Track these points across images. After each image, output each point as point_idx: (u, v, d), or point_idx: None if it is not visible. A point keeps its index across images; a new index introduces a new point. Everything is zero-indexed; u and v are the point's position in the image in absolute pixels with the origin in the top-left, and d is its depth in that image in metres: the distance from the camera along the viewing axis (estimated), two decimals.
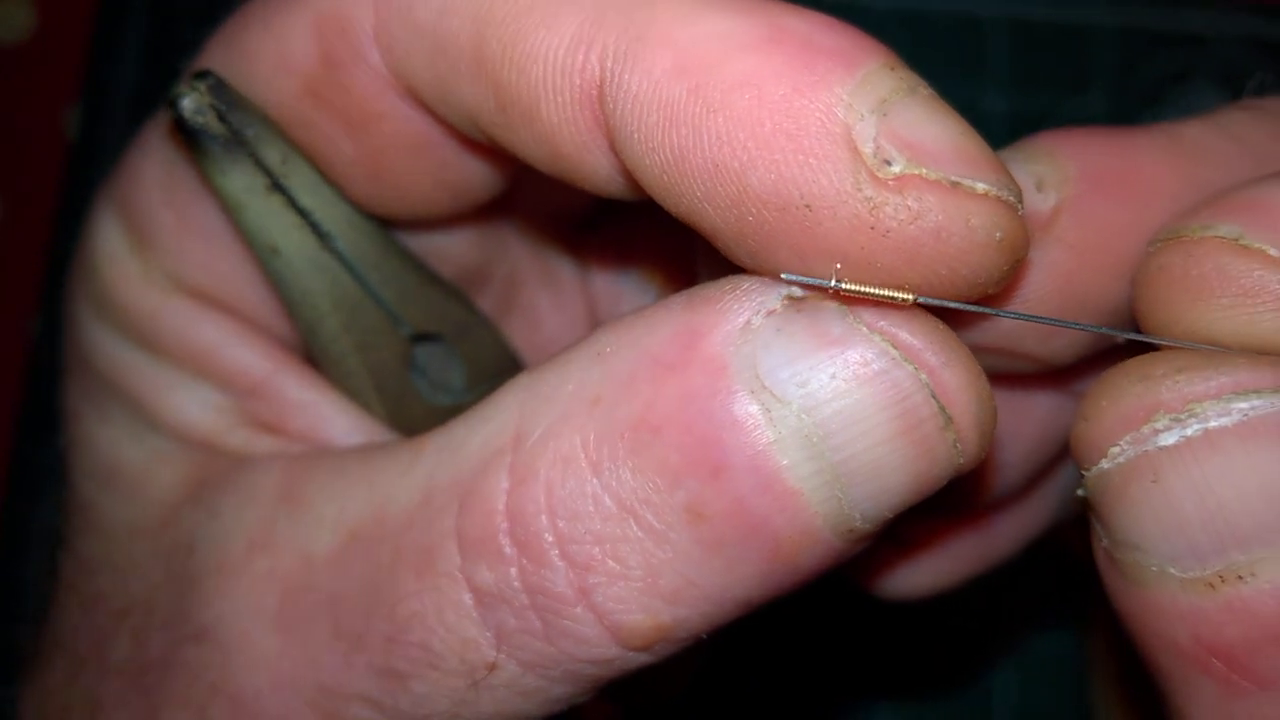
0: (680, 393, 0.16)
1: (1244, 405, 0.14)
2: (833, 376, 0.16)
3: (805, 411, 0.16)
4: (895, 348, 0.16)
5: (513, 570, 0.16)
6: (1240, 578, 0.14)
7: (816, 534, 0.16)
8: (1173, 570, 0.15)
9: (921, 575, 0.24)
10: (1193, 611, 0.15)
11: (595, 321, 0.27)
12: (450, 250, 0.24)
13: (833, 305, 0.17)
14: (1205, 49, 0.44)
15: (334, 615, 0.18)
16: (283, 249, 0.19)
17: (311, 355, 0.21)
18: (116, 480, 0.23)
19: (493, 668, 0.16)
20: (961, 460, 0.16)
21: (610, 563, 0.16)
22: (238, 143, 0.18)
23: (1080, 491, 0.16)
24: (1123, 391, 0.15)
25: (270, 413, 0.22)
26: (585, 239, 0.28)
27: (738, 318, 0.16)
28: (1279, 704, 0.14)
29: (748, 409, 0.16)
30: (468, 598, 0.16)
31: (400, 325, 0.21)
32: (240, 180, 0.18)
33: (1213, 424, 0.14)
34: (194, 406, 0.22)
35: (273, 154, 0.18)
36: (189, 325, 0.22)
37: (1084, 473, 0.16)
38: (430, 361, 0.22)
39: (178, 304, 0.22)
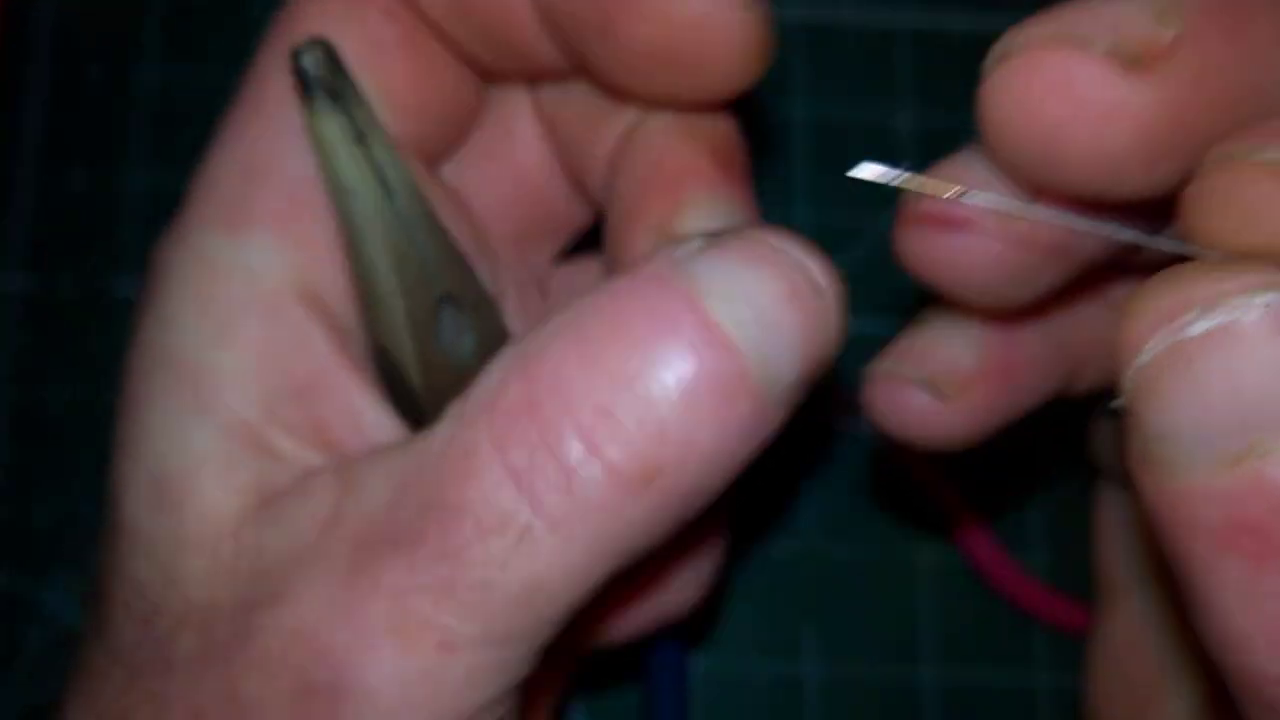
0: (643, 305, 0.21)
1: (1267, 299, 0.16)
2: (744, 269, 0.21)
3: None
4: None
5: (537, 449, 0.20)
6: (1263, 455, 0.16)
7: (749, 379, 0.20)
8: (1201, 455, 0.16)
9: (958, 425, 0.27)
10: (1221, 491, 0.16)
11: None
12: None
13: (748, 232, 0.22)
14: None
15: (395, 541, 0.21)
16: (357, 192, 0.23)
17: (360, 294, 0.25)
18: (166, 497, 0.24)
19: (527, 529, 0.20)
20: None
21: (610, 425, 0.20)
22: (337, 98, 0.23)
23: (1116, 403, 0.18)
24: (1160, 292, 0.17)
25: (318, 411, 0.24)
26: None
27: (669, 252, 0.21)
28: None
29: (691, 299, 0.20)
30: (505, 478, 0.20)
31: (434, 282, 0.25)
32: (334, 129, 0.23)
33: (1238, 315, 0.16)
34: (246, 397, 0.24)
35: (361, 115, 0.23)
36: (260, 316, 0.24)
37: (1123, 377, 0.17)
38: (447, 324, 0.26)
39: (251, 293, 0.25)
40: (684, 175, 0.26)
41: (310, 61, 0.22)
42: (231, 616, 0.22)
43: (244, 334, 0.24)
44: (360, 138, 0.23)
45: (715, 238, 0.21)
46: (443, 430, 0.21)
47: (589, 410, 0.20)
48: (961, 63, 0.45)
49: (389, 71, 0.27)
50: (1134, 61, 0.18)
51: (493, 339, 0.27)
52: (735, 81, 0.25)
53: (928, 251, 0.23)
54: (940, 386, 0.26)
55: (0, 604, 0.41)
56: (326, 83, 0.23)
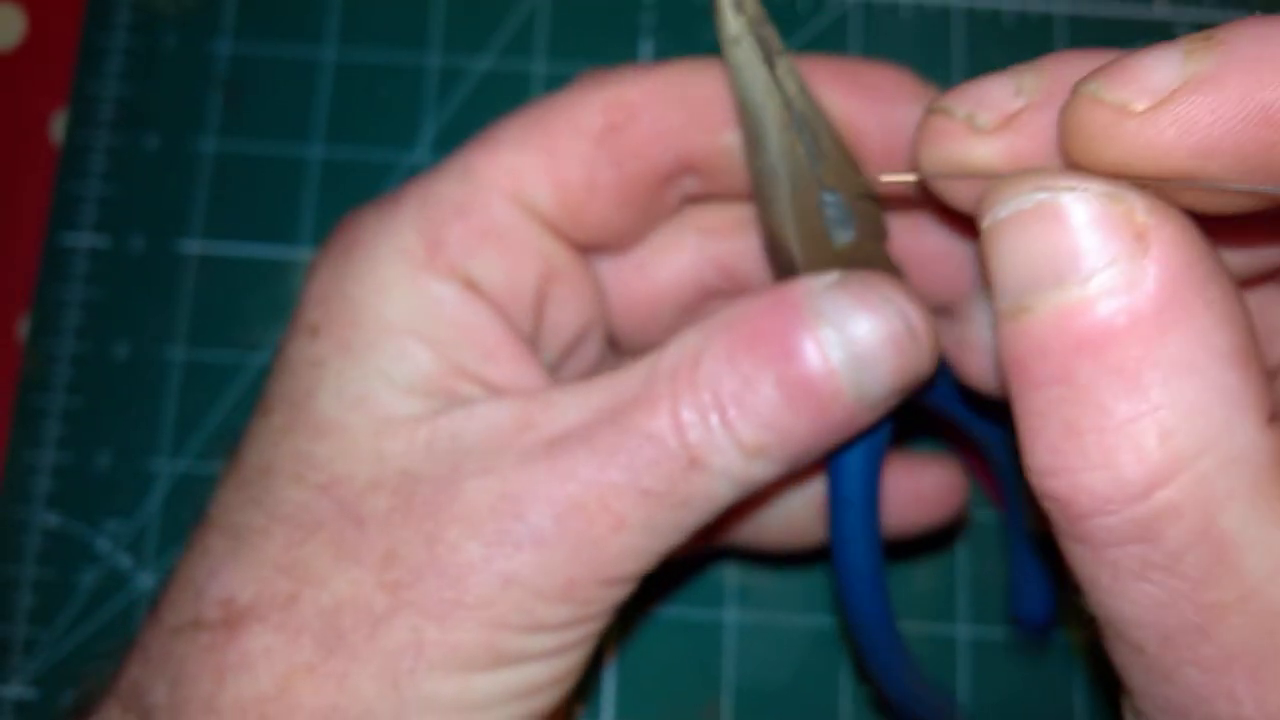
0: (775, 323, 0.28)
1: (1039, 196, 0.21)
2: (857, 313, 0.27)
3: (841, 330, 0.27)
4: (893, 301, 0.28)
5: (695, 411, 0.27)
6: (1029, 311, 0.21)
7: (843, 395, 0.27)
8: (1003, 308, 0.21)
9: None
10: (1009, 336, 0.21)
11: None
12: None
13: (869, 278, 0.28)
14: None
15: (591, 447, 0.27)
16: (765, 105, 0.28)
17: (756, 190, 0.30)
18: (369, 399, 0.28)
19: (687, 464, 0.27)
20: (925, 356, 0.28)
21: (741, 407, 0.27)
22: (752, 27, 0.28)
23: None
24: (992, 187, 0.22)
25: (487, 374, 0.29)
26: None
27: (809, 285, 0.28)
28: (1059, 395, 0.21)
29: (810, 327, 0.27)
30: (676, 426, 0.27)
31: (820, 180, 0.30)
32: (747, 52, 0.28)
33: (1016, 206, 0.21)
34: (432, 364, 0.29)
35: (772, 43, 0.28)
36: (455, 301, 0.29)
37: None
38: (831, 213, 0.30)
39: (451, 285, 0.29)
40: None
41: (738, 17, 0.28)
42: (434, 482, 0.27)
43: (435, 311, 0.29)
44: (769, 59, 0.28)
45: (844, 277, 0.28)
46: (639, 374, 0.28)
47: (728, 394, 0.27)
48: (1013, 44, 0.47)
49: (575, 201, 0.31)
50: (982, 124, 0.24)
51: (870, 229, 0.30)
52: None
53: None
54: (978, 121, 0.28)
55: (55, 545, 0.43)
56: (744, 12, 0.28)
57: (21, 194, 0.47)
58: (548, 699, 0.28)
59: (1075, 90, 0.21)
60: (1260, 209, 0.21)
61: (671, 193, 0.33)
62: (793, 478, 0.31)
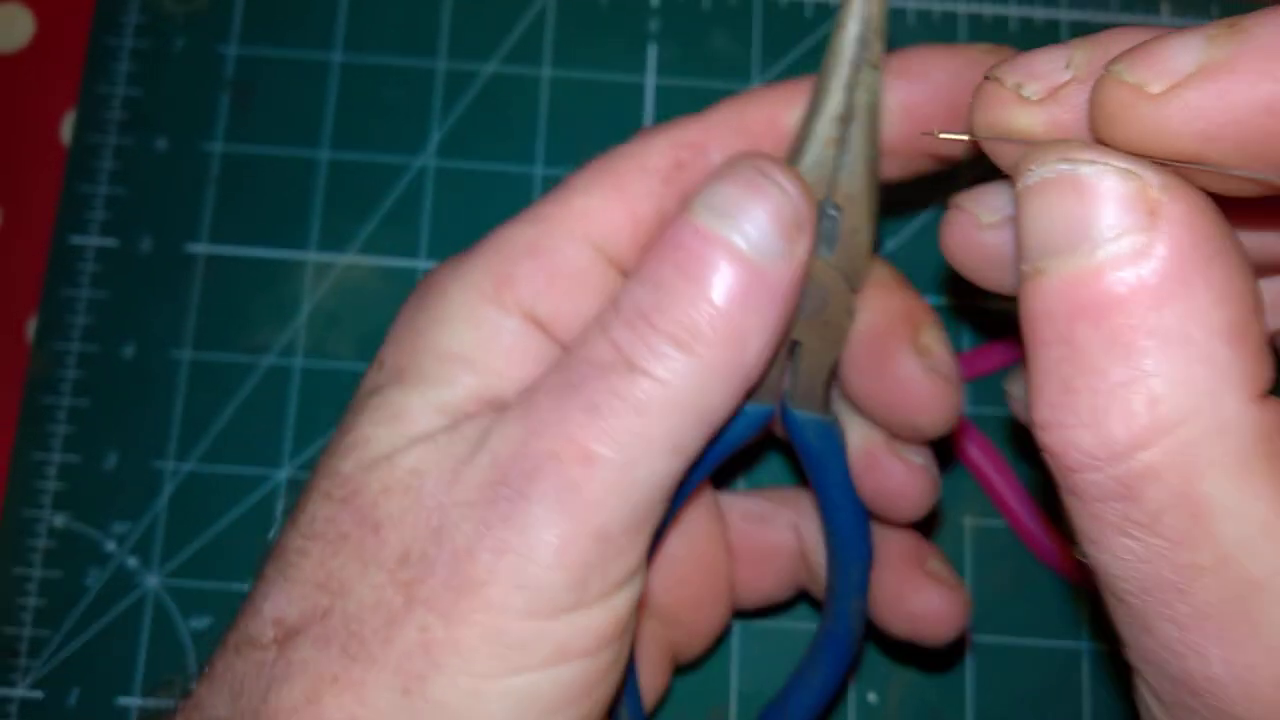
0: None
1: (1061, 166, 0.22)
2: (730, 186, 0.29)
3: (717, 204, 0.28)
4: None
5: (625, 329, 0.27)
6: (1043, 273, 0.22)
7: (734, 249, 0.28)
8: (1023, 270, 0.23)
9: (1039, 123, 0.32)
10: (1027, 295, 0.22)
11: None
12: None
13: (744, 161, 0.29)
14: None
15: (547, 392, 0.28)
16: (830, 88, 0.30)
17: (787, 148, 0.32)
18: (402, 416, 0.29)
19: (628, 370, 0.27)
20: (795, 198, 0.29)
21: (659, 309, 0.28)
22: (864, 26, 0.30)
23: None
24: (1026, 155, 0.23)
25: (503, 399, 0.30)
26: None
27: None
28: (1060, 355, 0.22)
29: (693, 217, 0.28)
30: (609, 347, 0.28)
31: (834, 183, 0.31)
32: (846, 43, 0.30)
33: (1039, 175, 0.22)
34: (473, 389, 0.29)
35: (872, 51, 0.30)
36: (514, 333, 0.30)
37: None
38: (823, 222, 0.31)
39: (513, 318, 0.30)
40: (916, 312, 0.33)
41: (855, 30, 0.29)
42: (438, 475, 0.28)
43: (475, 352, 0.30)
44: (859, 61, 0.30)
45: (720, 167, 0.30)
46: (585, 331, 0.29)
47: (648, 304, 0.28)
48: (1018, 49, 0.47)
49: (647, 237, 0.32)
50: (1028, 94, 0.25)
51: (849, 256, 0.31)
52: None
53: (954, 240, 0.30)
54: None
55: (62, 545, 0.43)
56: (874, 12, 0.29)
57: (30, 195, 0.47)
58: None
59: (1105, 69, 0.22)
60: (1265, 195, 0.22)
61: None
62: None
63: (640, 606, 0.29)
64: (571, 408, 0.27)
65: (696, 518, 0.38)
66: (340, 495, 0.29)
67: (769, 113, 0.32)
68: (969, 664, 0.43)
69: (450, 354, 0.30)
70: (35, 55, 0.49)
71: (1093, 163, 0.22)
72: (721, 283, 0.27)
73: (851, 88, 0.30)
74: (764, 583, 0.39)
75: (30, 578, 0.43)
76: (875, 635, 0.38)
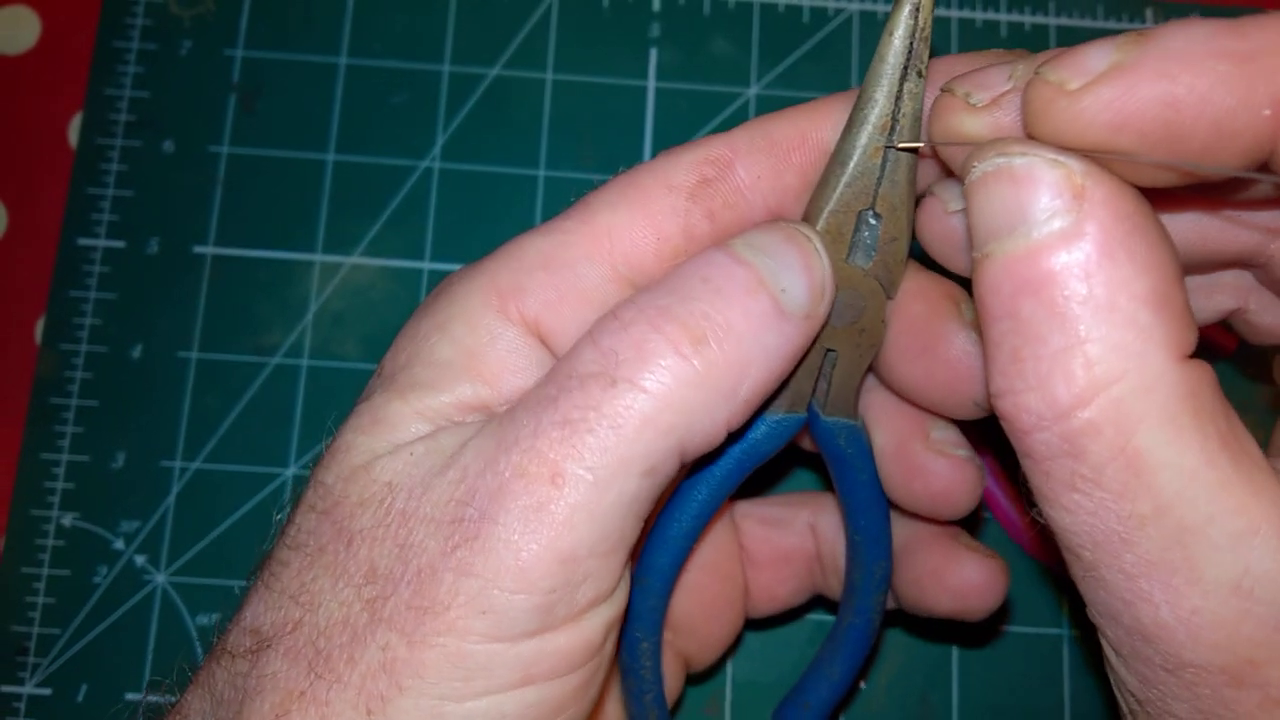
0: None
1: (999, 160, 0.25)
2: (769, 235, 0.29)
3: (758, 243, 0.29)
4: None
5: (617, 334, 0.27)
6: (989, 255, 0.24)
7: (764, 283, 0.28)
8: (973, 259, 0.25)
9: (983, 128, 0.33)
10: (978, 278, 0.25)
11: None
12: None
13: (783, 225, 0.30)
14: None
15: (525, 404, 0.27)
16: (875, 96, 0.30)
17: (829, 158, 0.32)
18: (383, 423, 0.29)
19: (611, 381, 0.27)
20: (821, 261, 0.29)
21: (668, 313, 0.27)
22: (912, 35, 0.30)
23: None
24: (974, 153, 0.25)
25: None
26: None
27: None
28: (1008, 328, 0.24)
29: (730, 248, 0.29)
30: (598, 354, 0.27)
31: (865, 206, 0.31)
32: (894, 50, 0.30)
33: (981, 168, 0.25)
34: (459, 395, 0.29)
35: (918, 58, 0.30)
36: (511, 341, 0.29)
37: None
38: (861, 236, 0.31)
39: (512, 328, 0.29)
40: (952, 291, 0.34)
41: (902, 37, 0.30)
42: (409, 489, 0.27)
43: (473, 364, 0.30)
44: (905, 67, 0.30)
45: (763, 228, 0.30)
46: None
47: (655, 308, 0.27)
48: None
49: (672, 252, 0.32)
50: (975, 102, 0.27)
51: (887, 264, 0.32)
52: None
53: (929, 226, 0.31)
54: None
55: (70, 544, 0.44)
56: (922, 20, 0.30)
57: (38, 197, 0.47)
58: None
59: (1034, 71, 0.25)
60: (1179, 184, 0.25)
61: None
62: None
63: (612, 627, 0.28)
64: (546, 422, 0.26)
65: (710, 528, 0.38)
66: (322, 508, 0.28)
67: (798, 129, 0.32)
68: (955, 651, 0.44)
69: (442, 359, 0.29)
70: (41, 58, 0.49)
71: (1024, 155, 0.24)
72: (745, 302, 0.27)
73: (896, 96, 0.30)
74: (781, 588, 0.40)
75: (39, 576, 0.43)
76: (901, 621, 0.39)
